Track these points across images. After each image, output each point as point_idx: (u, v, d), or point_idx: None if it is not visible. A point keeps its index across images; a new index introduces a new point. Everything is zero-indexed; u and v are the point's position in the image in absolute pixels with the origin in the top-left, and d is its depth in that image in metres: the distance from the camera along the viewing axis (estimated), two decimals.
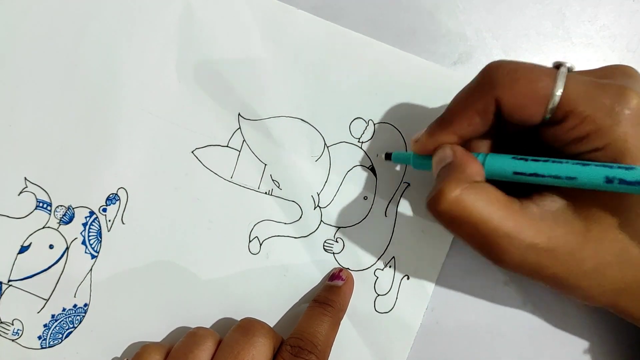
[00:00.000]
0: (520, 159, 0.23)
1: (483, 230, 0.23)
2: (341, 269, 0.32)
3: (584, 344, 0.32)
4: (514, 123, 0.24)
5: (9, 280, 0.33)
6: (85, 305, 0.32)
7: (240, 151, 0.33)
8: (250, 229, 0.33)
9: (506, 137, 0.26)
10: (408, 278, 0.32)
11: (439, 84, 0.32)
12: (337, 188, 0.33)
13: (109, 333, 0.32)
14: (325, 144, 0.33)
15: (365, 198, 0.33)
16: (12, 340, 0.32)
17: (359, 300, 0.32)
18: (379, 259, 0.32)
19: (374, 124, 0.32)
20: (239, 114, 0.33)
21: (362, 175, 0.33)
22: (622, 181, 0.20)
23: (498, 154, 0.25)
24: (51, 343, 0.32)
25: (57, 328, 0.32)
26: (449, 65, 0.32)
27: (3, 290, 0.33)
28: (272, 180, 0.33)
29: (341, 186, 0.33)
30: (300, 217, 0.33)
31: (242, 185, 0.33)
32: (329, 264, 0.33)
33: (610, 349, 0.31)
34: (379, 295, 0.32)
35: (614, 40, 0.32)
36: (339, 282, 0.31)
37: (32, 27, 0.33)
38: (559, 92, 0.22)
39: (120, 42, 0.33)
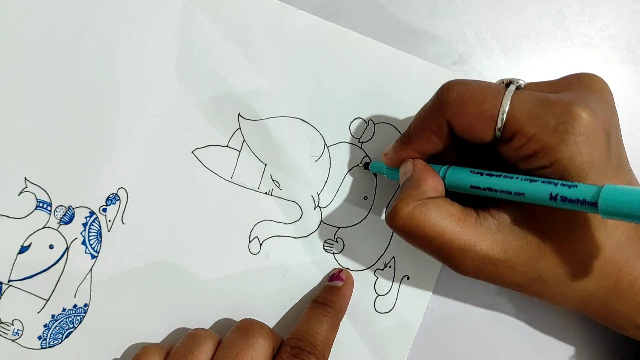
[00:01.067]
0: (477, 172, 0.24)
1: (437, 244, 0.24)
2: (341, 269, 0.32)
3: (583, 343, 0.32)
4: (468, 141, 0.25)
5: (9, 281, 0.32)
6: (85, 305, 0.32)
7: (240, 151, 0.33)
8: (250, 229, 0.32)
9: (472, 149, 0.27)
10: (408, 278, 0.32)
11: (439, 84, 0.31)
12: (337, 188, 0.32)
13: (109, 333, 0.32)
14: (325, 144, 0.32)
15: (365, 198, 0.32)
16: (12, 340, 0.32)
17: (359, 300, 0.32)
18: (379, 259, 0.32)
19: (374, 124, 0.32)
20: (239, 114, 0.33)
21: (362, 175, 0.33)
22: (564, 198, 0.20)
23: (459, 167, 0.26)
24: (51, 343, 0.32)
25: (57, 328, 0.32)
26: (449, 65, 0.32)
27: (3, 290, 0.32)
28: (272, 180, 0.32)
29: (341, 186, 0.33)
30: (300, 217, 0.33)
31: (242, 185, 0.33)
32: (329, 264, 0.32)
33: (608, 349, 0.31)
34: (379, 295, 0.32)
35: (614, 40, 0.32)
36: (339, 283, 0.31)
37: (32, 27, 0.33)
38: (503, 115, 0.23)
39: (120, 42, 0.33)
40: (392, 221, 0.24)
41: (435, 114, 0.25)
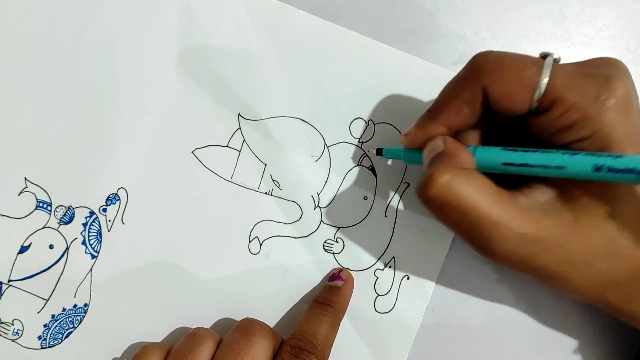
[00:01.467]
0: (510, 149, 0.23)
1: (472, 218, 0.22)
2: (341, 269, 0.32)
3: (584, 343, 0.32)
4: (501, 113, 0.24)
5: (9, 280, 0.32)
6: (85, 305, 0.32)
7: (240, 151, 0.32)
8: (250, 229, 0.32)
9: (495, 131, 0.26)
10: (408, 278, 0.32)
11: (439, 84, 0.31)
12: (337, 188, 0.32)
13: (109, 333, 0.32)
14: (325, 144, 0.32)
15: (365, 198, 0.32)
16: (12, 340, 0.32)
17: (359, 300, 0.32)
18: (379, 259, 0.32)
19: (374, 124, 0.32)
20: (239, 114, 0.32)
21: (362, 175, 0.32)
22: (610, 169, 0.20)
23: (487, 146, 0.24)
24: (51, 343, 0.32)
25: (57, 328, 0.32)
26: (449, 65, 0.32)
27: (3, 290, 0.32)
28: (272, 180, 0.32)
29: (341, 186, 0.32)
30: (300, 217, 0.32)
31: (242, 185, 0.32)
32: (329, 264, 0.32)
33: (608, 349, 0.31)
34: (379, 295, 0.32)
35: (614, 40, 0.32)
36: (339, 283, 0.31)
37: (31, 27, 0.33)
38: (545, 80, 0.22)
39: (120, 42, 0.33)
40: (427, 190, 0.22)
41: (471, 81, 0.23)
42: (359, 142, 0.32)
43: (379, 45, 0.32)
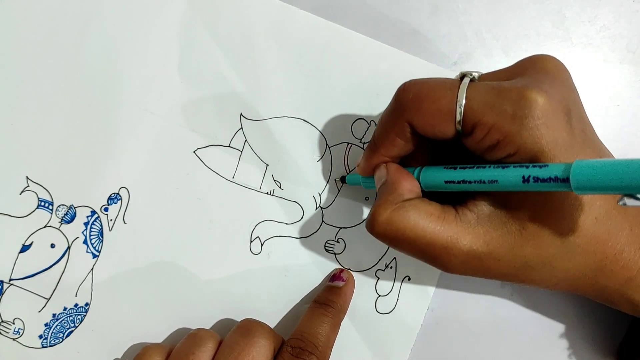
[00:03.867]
0: (450, 167, 0.24)
1: (420, 246, 0.23)
2: (342, 270, 0.32)
3: (584, 344, 0.31)
4: (433, 139, 0.24)
5: (10, 279, 0.32)
6: (87, 304, 0.32)
7: (242, 151, 0.32)
8: (252, 229, 0.32)
9: (442, 148, 0.26)
10: (409, 279, 0.32)
11: None
12: (338, 188, 0.32)
13: (110, 332, 0.32)
14: (326, 144, 0.32)
15: (366, 199, 0.32)
16: (13, 339, 0.32)
17: (360, 300, 0.32)
18: (380, 260, 0.32)
19: (375, 124, 0.32)
20: (241, 114, 0.32)
21: None
22: (536, 179, 0.20)
23: (432, 166, 0.25)
24: (52, 342, 0.32)
25: (58, 327, 0.32)
26: (449, 66, 0.32)
27: (4, 289, 0.32)
28: (274, 180, 0.32)
29: (342, 187, 0.32)
30: (302, 218, 0.32)
31: (244, 185, 0.32)
32: (330, 265, 0.32)
33: (612, 349, 0.31)
34: (380, 296, 0.32)
35: (614, 40, 0.32)
36: (340, 283, 0.31)
37: (33, 26, 0.33)
38: (460, 109, 0.22)
39: (122, 42, 0.32)
40: (372, 228, 0.24)
41: (396, 117, 0.24)
42: (360, 142, 0.32)
43: (379, 45, 0.32)
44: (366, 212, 0.32)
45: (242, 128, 0.32)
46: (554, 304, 0.31)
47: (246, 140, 0.32)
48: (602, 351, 0.31)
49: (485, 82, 0.23)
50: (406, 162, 0.27)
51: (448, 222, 0.23)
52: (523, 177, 0.20)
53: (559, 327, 0.31)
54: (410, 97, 0.24)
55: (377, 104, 0.32)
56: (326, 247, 0.32)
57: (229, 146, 0.32)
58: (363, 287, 0.32)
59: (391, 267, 0.32)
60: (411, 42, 0.32)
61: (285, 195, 0.32)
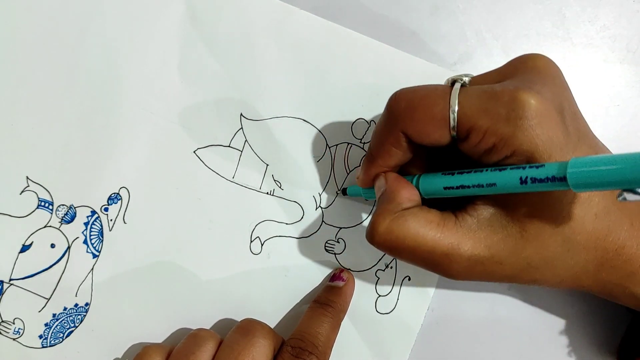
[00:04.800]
0: (448, 173, 0.24)
1: (421, 254, 0.23)
2: (342, 270, 0.31)
3: (584, 344, 0.31)
4: (430, 146, 0.24)
5: (10, 279, 0.32)
6: (87, 304, 0.32)
7: (242, 151, 0.32)
8: (252, 229, 0.32)
9: (440, 154, 0.26)
10: (409, 279, 0.32)
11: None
12: (339, 189, 0.32)
13: (110, 332, 0.32)
14: (327, 144, 0.32)
15: (367, 199, 0.31)
16: (13, 339, 0.31)
17: (360, 301, 0.31)
18: (380, 260, 0.32)
19: (376, 125, 0.31)
20: (241, 114, 0.32)
21: None
22: (534, 180, 0.20)
23: (430, 173, 0.25)
24: (52, 342, 0.32)
25: (58, 327, 0.31)
26: (449, 66, 0.32)
27: (4, 289, 0.32)
28: (274, 180, 0.32)
29: (343, 186, 0.32)
30: (302, 218, 0.32)
31: (244, 185, 0.32)
32: (330, 265, 0.32)
33: (612, 349, 0.31)
34: (380, 296, 0.32)
35: (614, 40, 0.31)
36: (340, 283, 0.31)
37: (34, 26, 0.32)
38: (454, 114, 0.22)
39: (122, 42, 0.32)
40: (372, 239, 0.24)
41: (390, 127, 0.24)
42: (360, 142, 0.32)
43: (379, 45, 0.31)
44: (367, 212, 0.32)
45: (242, 128, 0.32)
46: (554, 304, 0.31)
47: (246, 140, 0.32)
48: (602, 350, 0.31)
49: (477, 86, 0.23)
50: (405, 170, 0.27)
51: (448, 229, 0.23)
52: (520, 178, 0.20)
53: (559, 327, 0.31)
54: (402, 106, 0.23)
55: (377, 104, 0.31)
56: (326, 247, 0.32)
57: (229, 146, 0.32)
58: (363, 287, 0.31)
59: (391, 267, 0.31)
60: (411, 42, 0.32)
61: (285, 195, 0.32)
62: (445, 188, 0.24)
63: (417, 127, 0.23)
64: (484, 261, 0.23)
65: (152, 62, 0.32)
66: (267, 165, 0.32)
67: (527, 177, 0.20)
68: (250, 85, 0.32)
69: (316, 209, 0.32)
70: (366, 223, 0.32)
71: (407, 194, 0.24)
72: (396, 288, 0.31)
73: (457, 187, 0.23)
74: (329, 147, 0.32)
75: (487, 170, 0.22)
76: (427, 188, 0.25)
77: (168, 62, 0.32)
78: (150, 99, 0.32)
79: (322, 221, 0.32)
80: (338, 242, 0.32)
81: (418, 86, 0.24)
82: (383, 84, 0.31)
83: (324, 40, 0.32)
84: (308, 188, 0.32)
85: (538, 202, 0.22)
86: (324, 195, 0.32)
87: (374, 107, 0.32)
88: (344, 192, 0.31)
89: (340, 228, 0.32)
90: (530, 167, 0.20)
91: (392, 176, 0.26)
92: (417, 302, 0.31)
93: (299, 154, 0.32)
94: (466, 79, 0.23)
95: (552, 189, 0.20)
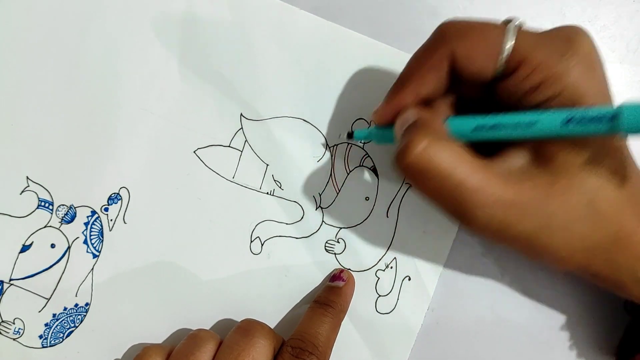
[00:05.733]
0: (480, 116, 0.23)
1: (450, 185, 0.22)
2: (342, 270, 0.31)
3: (584, 344, 0.31)
4: (469, 80, 0.23)
5: (11, 280, 0.31)
6: (87, 304, 0.31)
7: (242, 151, 0.32)
8: (252, 229, 0.32)
9: (465, 103, 0.26)
10: (409, 279, 0.31)
11: None
12: (338, 188, 0.32)
13: (110, 332, 0.31)
14: (327, 144, 0.32)
15: (367, 199, 0.32)
16: (13, 339, 0.31)
17: (360, 301, 0.31)
18: (380, 260, 0.32)
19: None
20: (241, 114, 0.32)
21: (363, 175, 0.32)
22: (580, 120, 0.19)
23: (458, 115, 0.24)
24: (52, 342, 0.31)
25: (58, 327, 0.31)
26: None
27: (4, 289, 0.31)
28: (274, 180, 0.32)
29: (343, 187, 0.32)
30: (302, 218, 0.32)
31: (244, 185, 0.32)
32: (331, 265, 0.32)
33: (612, 349, 0.30)
34: (380, 296, 0.31)
35: (614, 40, 0.31)
36: (340, 283, 0.30)
37: (33, 26, 0.32)
38: (510, 42, 0.22)
39: (123, 42, 0.32)
40: (405, 157, 0.22)
41: (437, 47, 0.23)
42: (360, 142, 0.32)
43: (380, 45, 0.31)
44: (367, 212, 0.31)
45: (242, 128, 0.32)
46: (554, 304, 0.31)
47: (246, 140, 0.32)
48: (601, 350, 0.31)
49: (531, 30, 0.23)
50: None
51: (480, 167, 0.22)
52: (566, 118, 0.20)
53: (560, 327, 0.31)
54: (457, 27, 0.23)
55: (376, 104, 0.31)
56: (326, 247, 0.32)
57: (229, 146, 0.32)
58: (363, 287, 0.31)
59: (391, 267, 0.31)
60: (411, 42, 0.31)
61: (285, 195, 0.32)
62: (477, 128, 0.22)
63: (468, 49, 0.22)
64: (508, 207, 0.22)
65: (153, 62, 0.32)
66: (267, 165, 0.32)
67: (572, 117, 0.19)
68: (250, 85, 0.32)
69: (316, 209, 0.32)
70: (366, 223, 0.31)
71: (442, 126, 0.23)
72: (396, 288, 0.31)
73: (491, 127, 0.22)
74: (329, 147, 0.32)
75: (526, 112, 0.21)
76: (456, 129, 0.23)
77: (168, 62, 0.32)
78: (151, 99, 0.32)
79: (322, 221, 0.32)
80: (338, 242, 0.32)
81: (472, 19, 0.23)
82: (383, 84, 0.31)
83: (324, 40, 0.31)
84: (308, 188, 0.32)
85: (571, 156, 0.22)
86: (324, 195, 0.32)
87: (374, 107, 0.31)
88: (349, 136, 0.30)
89: (340, 228, 0.32)
90: (577, 109, 0.20)
91: (423, 108, 0.24)
92: (417, 302, 0.31)
93: (299, 154, 0.32)
94: (520, 21, 0.23)
95: (600, 131, 0.19)
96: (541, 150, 0.23)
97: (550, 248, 0.23)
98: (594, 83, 0.21)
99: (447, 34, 0.23)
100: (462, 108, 0.26)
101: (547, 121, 0.20)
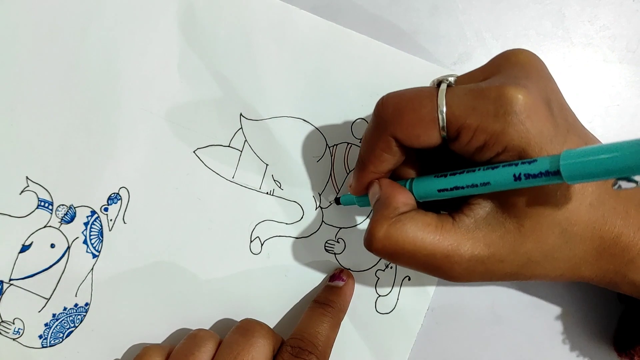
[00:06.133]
0: (441, 175, 0.23)
1: (421, 258, 0.23)
2: (342, 270, 0.31)
3: (584, 344, 0.31)
4: (421, 148, 0.24)
5: (10, 279, 0.31)
6: (87, 304, 0.31)
7: (241, 151, 0.32)
8: (252, 229, 0.32)
9: (431, 156, 0.26)
10: (409, 279, 0.31)
11: None
12: (338, 189, 0.32)
13: (109, 332, 0.31)
14: (326, 144, 0.32)
15: None
16: (13, 339, 0.31)
17: (360, 300, 0.31)
18: (380, 260, 0.31)
19: None
20: (241, 114, 0.32)
21: None
22: (527, 176, 0.20)
23: (423, 176, 0.25)
24: (52, 342, 0.31)
25: (58, 327, 0.31)
26: (449, 66, 0.32)
27: (4, 289, 0.31)
28: (274, 180, 0.32)
29: (343, 187, 0.32)
30: (302, 218, 0.32)
31: (244, 185, 0.32)
32: (330, 265, 0.32)
33: (611, 349, 0.30)
34: (380, 295, 0.31)
35: (614, 40, 0.31)
36: (340, 283, 0.30)
37: (33, 26, 0.32)
38: (442, 115, 0.22)
39: (122, 42, 0.32)
40: (371, 245, 0.23)
41: (379, 132, 0.24)
42: (360, 142, 0.31)
43: (379, 45, 0.31)
44: (366, 212, 0.31)
45: (242, 128, 0.32)
46: (555, 304, 0.31)
47: (246, 140, 0.32)
48: (599, 341, 0.31)
49: (463, 85, 0.23)
50: (397, 174, 0.26)
51: (446, 231, 0.23)
52: (514, 175, 0.20)
53: (560, 327, 0.31)
54: (390, 111, 0.23)
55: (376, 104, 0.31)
56: (326, 247, 0.32)
57: (229, 146, 0.32)
58: (363, 287, 0.31)
59: (391, 267, 0.31)
60: (411, 42, 0.32)
61: (285, 195, 0.32)
62: (439, 190, 0.23)
63: (406, 130, 0.23)
64: (484, 260, 0.23)
65: (152, 62, 0.32)
66: (267, 165, 0.32)
67: (520, 174, 0.20)
68: (250, 85, 0.32)
69: (316, 209, 0.32)
70: (366, 223, 0.31)
71: (403, 199, 0.24)
72: (396, 288, 0.31)
73: (451, 189, 0.23)
74: (329, 147, 0.32)
75: (479, 169, 0.22)
76: (421, 192, 0.24)
77: (168, 62, 0.32)
78: (151, 99, 0.32)
79: (322, 221, 0.32)
80: (338, 242, 0.32)
81: (404, 89, 0.24)
82: (383, 84, 0.31)
83: (324, 40, 0.31)
84: (308, 188, 0.32)
85: (532, 196, 0.22)
86: (324, 195, 0.32)
87: (374, 107, 0.31)
88: (337, 201, 0.31)
89: (340, 228, 0.32)
90: (523, 162, 0.20)
91: (385, 182, 0.25)
92: (417, 302, 0.31)
93: (299, 154, 0.32)
94: (451, 79, 0.23)
95: (546, 182, 0.20)
96: (502, 197, 0.23)
97: (537, 277, 0.24)
98: (537, 129, 0.21)
99: (384, 119, 0.23)
100: (432, 157, 0.26)
101: (498, 180, 0.21)
